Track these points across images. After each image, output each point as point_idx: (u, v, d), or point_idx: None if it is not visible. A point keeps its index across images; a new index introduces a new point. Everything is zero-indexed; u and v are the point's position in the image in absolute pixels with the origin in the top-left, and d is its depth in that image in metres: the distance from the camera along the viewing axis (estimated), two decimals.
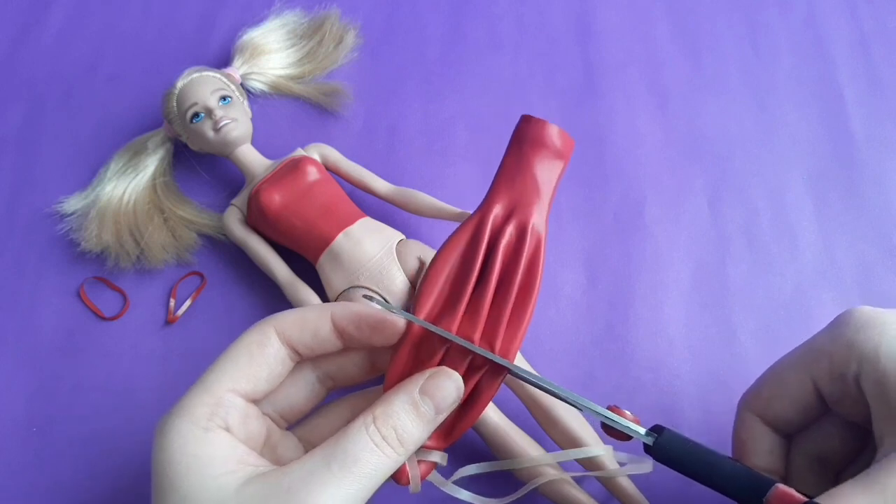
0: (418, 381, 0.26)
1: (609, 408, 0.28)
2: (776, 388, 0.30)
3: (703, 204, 0.44)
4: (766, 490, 0.25)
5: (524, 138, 0.30)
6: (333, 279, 0.38)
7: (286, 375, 0.28)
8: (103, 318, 0.41)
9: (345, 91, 0.47)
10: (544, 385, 0.28)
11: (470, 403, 0.28)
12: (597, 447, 0.33)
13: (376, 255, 0.38)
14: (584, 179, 0.45)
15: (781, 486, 0.25)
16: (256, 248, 0.40)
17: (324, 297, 0.38)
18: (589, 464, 0.34)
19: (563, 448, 0.35)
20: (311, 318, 0.27)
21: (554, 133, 0.30)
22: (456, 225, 0.40)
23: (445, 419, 0.27)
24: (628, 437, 0.28)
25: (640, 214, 0.44)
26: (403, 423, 0.25)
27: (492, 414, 0.35)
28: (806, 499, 0.24)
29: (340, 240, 0.38)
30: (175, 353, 0.40)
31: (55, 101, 0.48)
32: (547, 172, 0.30)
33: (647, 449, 0.28)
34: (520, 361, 0.37)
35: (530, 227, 0.29)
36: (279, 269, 0.39)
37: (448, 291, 0.29)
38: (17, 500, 0.37)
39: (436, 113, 0.47)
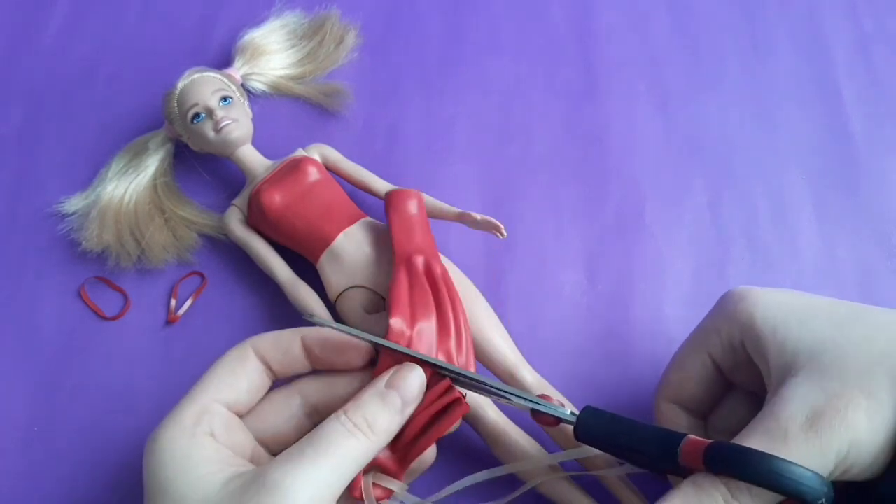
0: (385, 376, 0.29)
1: (539, 396, 0.31)
2: (681, 372, 0.33)
3: (703, 204, 0.44)
4: (679, 443, 0.28)
5: (398, 206, 0.38)
6: (334, 279, 0.38)
7: (264, 392, 0.31)
8: (104, 318, 0.41)
9: (345, 91, 0.47)
10: (466, 375, 0.30)
11: (428, 429, 0.30)
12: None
13: (376, 255, 0.38)
14: (584, 179, 0.45)
15: (691, 437, 0.28)
16: (257, 248, 0.40)
17: (324, 297, 0.39)
18: (589, 463, 0.34)
19: (562, 447, 0.35)
20: (283, 338, 0.31)
21: (412, 198, 0.39)
22: (457, 225, 0.40)
23: (403, 438, 0.30)
24: (557, 422, 0.30)
25: (640, 214, 0.44)
26: (373, 412, 0.27)
27: (490, 412, 0.35)
28: (710, 440, 0.27)
29: (341, 240, 0.38)
30: (176, 353, 0.40)
31: (56, 102, 0.48)
32: (420, 222, 0.38)
33: (575, 431, 0.30)
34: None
35: (433, 262, 0.36)
36: (280, 269, 0.40)
37: (415, 314, 0.34)
38: (18, 500, 0.37)
39: (436, 113, 0.47)
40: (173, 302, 0.41)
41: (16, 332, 0.41)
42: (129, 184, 0.43)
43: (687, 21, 0.51)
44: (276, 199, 0.39)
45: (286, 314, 0.40)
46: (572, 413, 0.30)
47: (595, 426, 0.30)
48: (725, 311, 0.31)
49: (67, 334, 0.41)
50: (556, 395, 0.36)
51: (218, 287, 0.42)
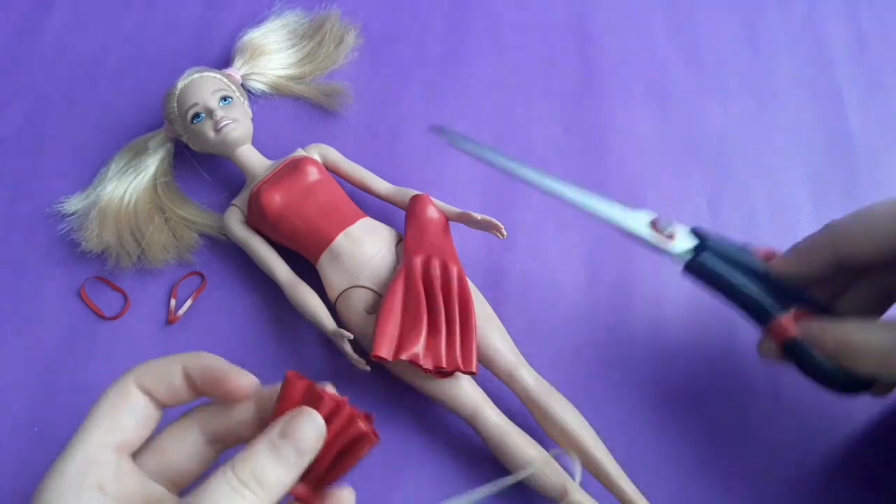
0: (277, 424, 0.26)
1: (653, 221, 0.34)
2: (866, 228, 0.31)
3: (703, 204, 0.44)
4: (774, 317, 0.31)
5: (416, 210, 0.40)
6: (334, 279, 0.38)
7: (155, 422, 0.28)
8: (104, 318, 0.41)
9: (345, 91, 0.47)
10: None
11: (347, 455, 0.27)
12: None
13: (377, 255, 0.38)
14: (584, 179, 0.45)
15: (790, 315, 0.31)
16: (257, 249, 0.40)
17: (324, 297, 0.39)
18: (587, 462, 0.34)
19: (561, 446, 0.35)
20: (163, 368, 0.28)
21: (431, 203, 0.40)
22: (457, 225, 0.40)
23: (317, 466, 0.26)
24: None
25: None
26: (262, 465, 0.25)
27: (490, 413, 0.35)
28: (793, 336, 0.30)
29: (341, 240, 0.38)
30: (176, 353, 0.40)
31: (56, 102, 0.48)
32: (437, 225, 0.39)
33: (688, 264, 0.34)
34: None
35: (452, 267, 0.37)
36: (280, 269, 0.40)
37: (405, 320, 0.35)
38: (18, 501, 0.37)
39: (436, 113, 0.47)
40: (173, 302, 0.41)
41: (16, 331, 0.41)
42: (129, 184, 0.43)
43: (686, 21, 0.51)
44: (276, 199, 0.39)
45: (286, 314, 0.40)
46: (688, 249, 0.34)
47: (711, 264, 0.33)
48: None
49: (67, 334, 0.41)
50: (557, 396, 0.36)
51: (218, 287, 0.42)
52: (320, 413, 0.26)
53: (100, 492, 0.25)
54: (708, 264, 0.33)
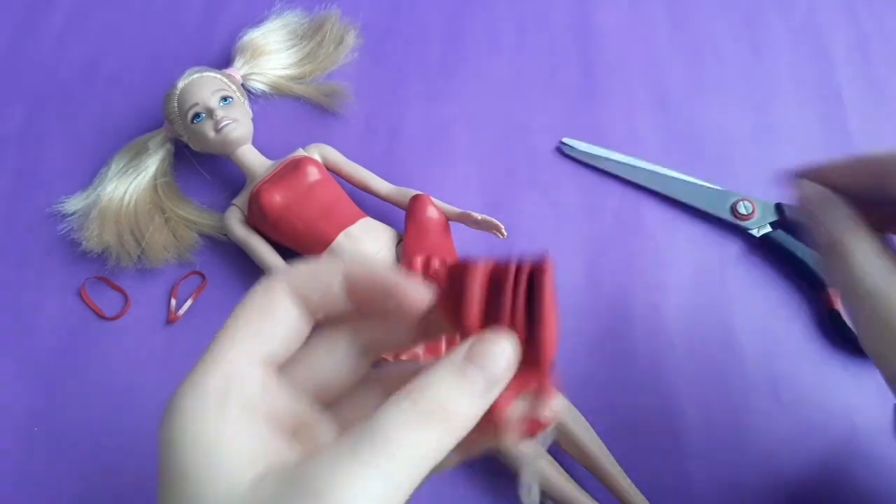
0: (462, 348, 0.21)
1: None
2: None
3: None
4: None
5: (416, 210, 0.39)
6: None
7: (305, 336, 0.24)
8: (104, 318, 0.41)
9: (345, 91, 0.47)
10: None
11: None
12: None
13: (377, 255, 0.38)
14: (584, 179, 0.45)
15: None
16: (257, 248, 0.40)
17: None
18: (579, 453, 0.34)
19: (560, 445, 0.35)
20: (321, 272, 0.23)
21: (431, 203, 0.40)
22: (457, 225, 0.40)
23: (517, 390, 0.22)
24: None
25: (640, 215, 0.44)
26: (447, 394, 0.20)
27: None
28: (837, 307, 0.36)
29: (341, 240, 0.38)
30: (176, 353, 0.40)
31: (56, 102, 0.48)
32: (437, 225, 0.39)
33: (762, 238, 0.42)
34: None
35: (449, 262, 0.34)
36: (280, 268, 0.40)
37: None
38: (18, 501, 0.37)
39: (436, 113, 0.47)
40: (173, 302, 0.41)
41: (16, 331, 0.41)
42: (130, 184, 0.43)
43: (686, 21, 0.51)
44: (276, 198, 0.39)
45: None
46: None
47: (781, 240, 0.41)
48: None
49: (67, 334, 0.41)
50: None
51: (218, 287, 0.42)
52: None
53: (245, 410, 0.21)
54: (779, 240, 0.41)
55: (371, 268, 0.24)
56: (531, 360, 0.22)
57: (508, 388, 0.22)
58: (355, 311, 0.24)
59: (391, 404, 0.20)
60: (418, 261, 0.37)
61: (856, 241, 0.28)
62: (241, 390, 0.21)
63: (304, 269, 0.24)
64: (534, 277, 0.23)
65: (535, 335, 0.22)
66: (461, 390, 0.21)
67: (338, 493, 0.18)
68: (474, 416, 0.21)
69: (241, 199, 0.41)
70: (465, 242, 0.42)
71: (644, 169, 0.44)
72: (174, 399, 0.21)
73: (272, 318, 0.23)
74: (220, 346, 0.22)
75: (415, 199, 0.40)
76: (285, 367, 0.24)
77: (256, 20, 0.48)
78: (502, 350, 0.21)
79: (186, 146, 0.44)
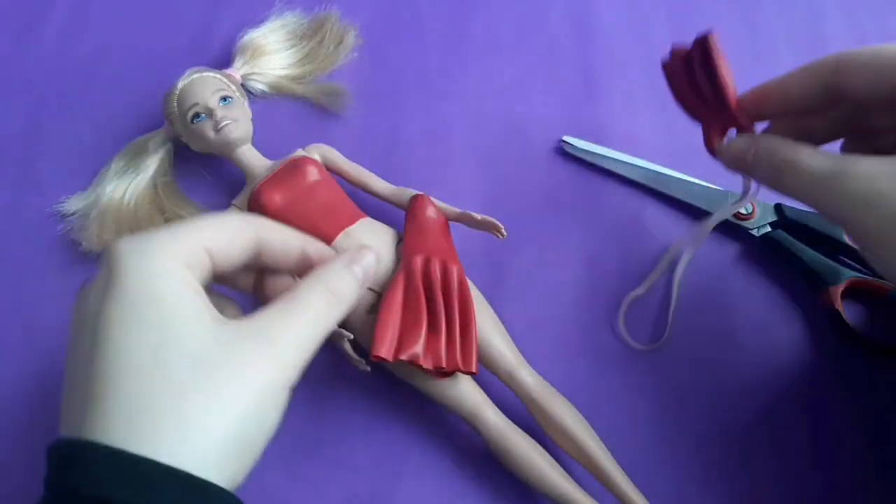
0: (347, 254, 0.30)
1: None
2: (876, 58, 0.30)
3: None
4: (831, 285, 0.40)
5: (416, 210, 0.39)
6: None
7: (241, 268, 0.29)
8: None
9: (345, 91, 0.47)
10: None
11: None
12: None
13: (377, 255, 0.38)
14: (584, 180, 0.45)
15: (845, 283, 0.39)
16: None
17: None
18: (588, 462, 0.34)
19: (561, 446, 0.35)
20: (290, 239, 0.30)
21: (430, 204, 0.40)
22: (457, 225, 0.40)
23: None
24: None
25: (640, 214, 0.44)
26: (339, 281, 0.29)
27: (491, 413, 0.35)
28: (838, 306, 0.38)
29: (341, 240, 0.38)
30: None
31: (56, 102, 0.48)
32: (437, 225, 0.39)
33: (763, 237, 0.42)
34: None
35: (453, 268, 0.37)
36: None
37: (405, 320, 0.35)
38: (18, 501, 0.37)
39: (436, 113, 0.47)
40: None
41: (16, 332, 0.41)
42: (129, 184, 0.43)
43: (687, 21, 0.51)
44: (276, 199, 0.39)
45: None
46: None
47: (781, 239, 0.41)
48: None
49: (67, 334, 0.41)
50: (557, 396, 0.36)
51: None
52: None
53: (194, 271, 0.26)
54: (779, 239, 0.41)
55: (326, 251, 0.31)
56: (723, 107, 0.33)
57: (715, 128, 0.35)
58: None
59: (310, 281, 0.28)
60: (418, 261, 0.36)
61: (796, 148, 0.31)
62: (200, 268, 0.26)
63: (276, 232, 0.30)
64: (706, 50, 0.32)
65: (718, 87, 0.33)
66: (348, 280, 0.29)
67: (278, 334, 0.25)
68: (353, 298, 0.29)
69: (241, 200, 0.41)
70: (465, 242, 0.42)
71: (644, 168, 0.44)
72: (146, 241, 0.25)
73: (237, 242, 0.28)
74: (189, 230, 0.27)
75: (414, 199, 0.40)
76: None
77: (256, 20, 0.48)
78: (371, 256, 0.31)
79: (186, 146, 0.44)
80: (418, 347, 0.34)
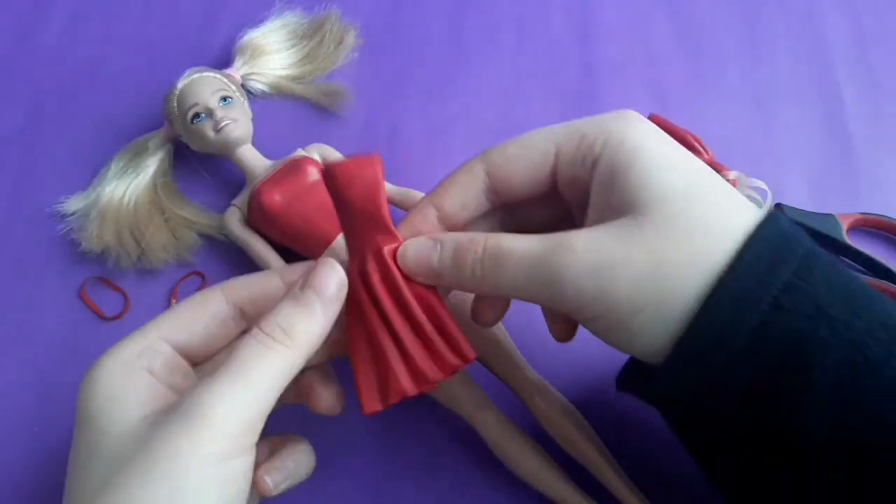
0: (300, 279, 0.27)
1: None
2: (518, 148, 0.28)
3: None
4: None
5: (333, 189, 0.29)
6: None
7: (229, 337, 0.28)
8: (104, 319, 0.41)
9: (345, 91, 0.47)
10: None
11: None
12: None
13: None
14: None
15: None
16: (257, 248, 0.40)
17: None
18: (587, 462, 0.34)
19: (559, 442, 0.35)
20: (259, 279, 0.29)
21: (349, 168, 0.28)
22: None
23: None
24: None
25: None
26: (288, 317, 0.25)
27: (491, 413, 0.35)
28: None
29: (341, 239, 0.38)
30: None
31: (56, 102, 0.48)
32: (366, 201, 0.28)
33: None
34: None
35: (383, 250, 0.28)
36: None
37: (374, 356, 0.29)
38: (18, 501, 0.37)
39: (436, 113, 0.47)
40: (174, 302, 0.41)
41: (16, 332, 0.41)
42: (129, 184, 0.43)
43: (686, 21, 0.51)
44: (276, 198, 0.39)
45: None
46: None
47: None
48: (603, 119, 0.28)
49: (67, 334, 0.41)
50: (557, 394, 0.36)
51: None
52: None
53: (149, 375, 0.26)
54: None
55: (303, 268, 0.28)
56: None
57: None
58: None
59: (247, 336, 0.25)
60: (354, 272, 0.29)
61: (497, 235, 0.27)
62: (150, 359, 0.26)
63: (243, 279, 0.29)
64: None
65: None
66: (301, 314, 0.25)
67: (209, 411, 0.23)
68: (316, 334, 0.25)
69: (241, 199, 0.41)
70: None
71: None
72: (96, 361, 0.26)
73: (200, 316, 0.27)
74: (146, 327, 0.27)
75: (326, 172, 0.29)
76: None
77: (256, 20, 0.48)
78: (330, 274, 0.26)
79: (186, 146, 0.44)
80: (403, 380, 0.28)
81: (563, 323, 0.30)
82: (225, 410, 0.23)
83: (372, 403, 0.28)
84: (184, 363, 0.27)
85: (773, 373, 0.24)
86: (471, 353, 0.29)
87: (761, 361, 0.24)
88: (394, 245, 0.28)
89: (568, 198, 0.29)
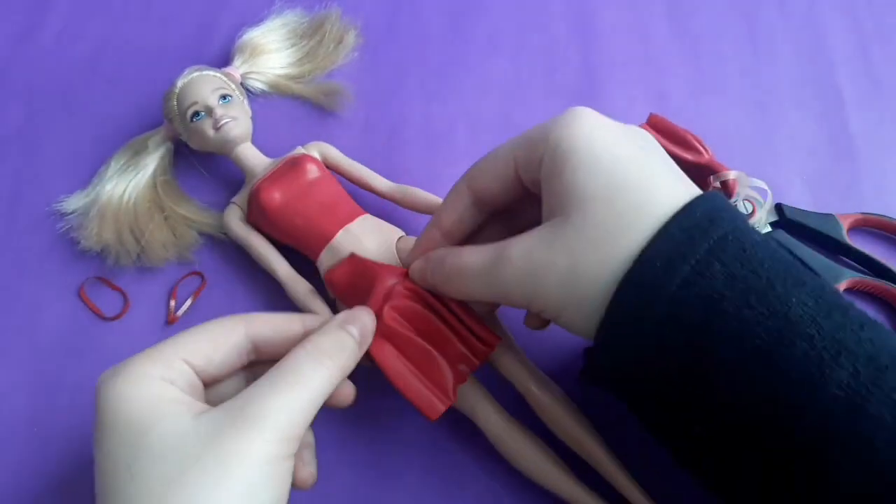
0: (340, 315, 0.31)
1: None
2: (488, 163, 0.32)
3: None
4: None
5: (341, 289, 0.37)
6: None
7: (236, 369, 0.30)
8: (104, 318, 0.41)
9: (344, 91, 0.47)
10: None
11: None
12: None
13: (376, 252, 0.38)
14: None
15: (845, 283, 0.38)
16: (257, 246, 0.40)
17: (324, 294, 0.38)
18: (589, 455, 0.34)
19: (559, 436, 0.35)
20: (281, 319, 0.31)
21: (339, 275, 0.37)
22: None
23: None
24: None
25: None
26: (334, 344, 0.29)
27: (492, 409, 0.35)
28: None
29: (341, 237, 0.38)
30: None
31: (56, 101, 0.48)
32: (363, 277, 0.35)
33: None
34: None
35: (401, 281, 0.33)
36: (280, 266, 0.40)
37: (420, 367, 0.33)
38: (18, 501, 0.37)
39: (436, 113, 0.47)
40: (173, 303, 0.41)
41: (15, 331, 0.41)
42: (129, 182, 0.43)
43: (686, 21, 0.51)
44: (275, 196, 0.39)
45: (287, 312, 0.40)
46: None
47: (782, 240, 0.40)
48: (548, 123, 0.30)
49: (67, 334, 0.41)
50: (557, 388, 0.36)
51: (217, 287, 0.42)
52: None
53: (168, 383, 0.27)
54: (779, 239, 0.40)
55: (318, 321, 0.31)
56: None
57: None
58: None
59: (299, 350, 0.28)
60: (385, 311, 0.33)
61: (459, 252, 0.31)
62: (170, 375, 0.27)
63: (265, 315, 0.30)
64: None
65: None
66: (344, 341, 0.29)
67: (266, 413, 0.25)
68: (352, 363, 0.29)
69: (241, 197, 0.41)
70: None
71: None
72: (109, 373, 0.27)
73: (220, 345, 0.29)
74: (163, 346, 0.28)
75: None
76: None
77: (256, 19, 0.48)
78: (368, 317, 0.31)
79: (186, 145, 0.44)
80: (448, 375, 0.33)
81: (533, 316, 0.33)
82: (287, 416, 0.26)
83: (434, 408, 0.32)
84: (200, 384, 0.29)
85: (680, 362, 0.26)
86: (497, 338, 0.33)
87: (668, 351, 0.26)
88: (404, 276, 0.34)
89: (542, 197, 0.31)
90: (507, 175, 0.31)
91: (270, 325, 0.30)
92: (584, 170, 0.28)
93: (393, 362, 0.32)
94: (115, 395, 0.26)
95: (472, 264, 0.30)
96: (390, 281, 0.33)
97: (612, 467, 0.34)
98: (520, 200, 0.32)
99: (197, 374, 0.28)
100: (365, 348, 0.31)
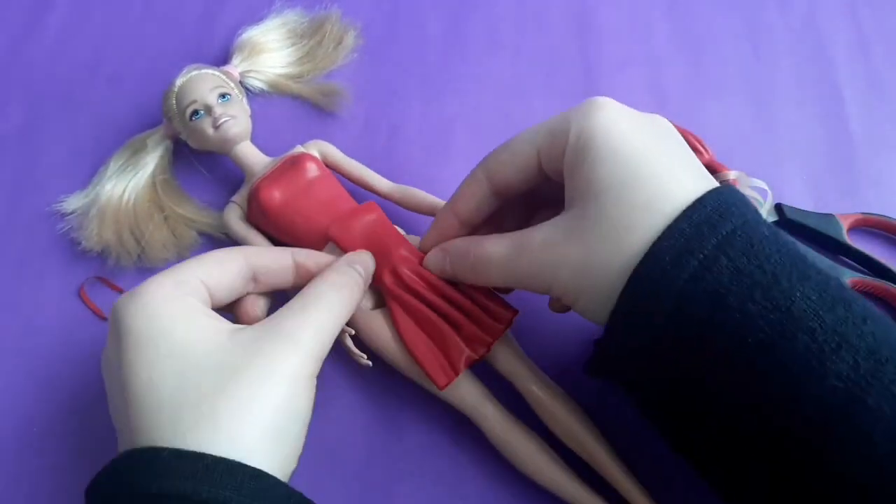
0: (346, 256, 0.35)
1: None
2: (508, 154, 0.33)
3: None
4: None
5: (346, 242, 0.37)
6: None
7: (238, 296, 0.32)
8: (104, 319, 0.41)
9: (343, 92, 0.47)
10: None
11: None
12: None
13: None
14: None
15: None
16: (257, 245, 0.40)
17: None
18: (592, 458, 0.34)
19: (559, 435, 0.35)
20: (275, 251, 0.34)
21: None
22: None
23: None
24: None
25: None
26: (347, 278, 0.32)
27: (492, 407, 0.35)
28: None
29: None
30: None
31: (55, 101, 0.48)
32: (383, 233, 0.38)
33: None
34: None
35: (412, 259, 0.36)
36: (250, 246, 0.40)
37: (432, 337, 0.35)
38: (18, 501, 0.37)
39: (436, 113, 0.47)
40: None
41: (15, 331, 0.41)
42: (128, 182, 0.43)
43: (687, 21, 0.51)
44: (275, 195, 0.39)
45: None
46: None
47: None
48: (569, 112, 0.31)
49: (67, 334, 0.41)
50: (557, 388, 0.36)
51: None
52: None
53: (196, 300, 0.29)
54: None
55: (315, 255, 0.34)
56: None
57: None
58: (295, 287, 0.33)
59: (318, 281, 0.31)
60: (388, 280, 0.36)
61: (481, 242, 0.33)
62: (191, 293, 0.29)
63: (261, 247, 0.35)
64: None
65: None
66: (354, 277, 0.33)
67: (298, 332, 0.28)
68: (360, 292, 0.33)
69: (241, 196, 0.41)
70: None
71: None
72: (133, 291, 0.28)
73: (227, 269, 0.31)
74: (177, 267, 0.30)
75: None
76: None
77: (256, 18, 0.48)
78: (367, 256, 0.35)
79: (185, 144, 0.44)
80: (463, 349, 0.35)
81: (556, 300, 0.34)
82: (318, 336, 0.29)
83: (442, 377, 0.34)
84: (212, 304, 0.30)
85: (686, 354, 0.27)
86: (513, 312, 0.35)
87: (675, 343, 0.27)
88: (417, 256, 0.36)
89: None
90: (530, 166, 0.32)
91: (266, 257, 0.32)
92: (601, 162, 0.28)
93: (408, 327, 0.35)
94: (146, 313, 0.27)
95: (495, 255, 0.31)
96: (403, 251, 0.36)
97: (613, 467, 0.34)
98: (538, 186, 0.33)
99: (210, 295, 0.30)
100: (368, 284, 0.34)
